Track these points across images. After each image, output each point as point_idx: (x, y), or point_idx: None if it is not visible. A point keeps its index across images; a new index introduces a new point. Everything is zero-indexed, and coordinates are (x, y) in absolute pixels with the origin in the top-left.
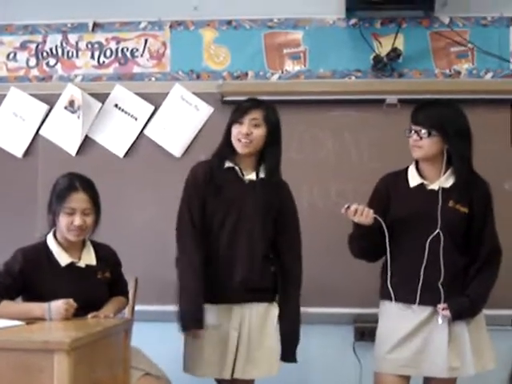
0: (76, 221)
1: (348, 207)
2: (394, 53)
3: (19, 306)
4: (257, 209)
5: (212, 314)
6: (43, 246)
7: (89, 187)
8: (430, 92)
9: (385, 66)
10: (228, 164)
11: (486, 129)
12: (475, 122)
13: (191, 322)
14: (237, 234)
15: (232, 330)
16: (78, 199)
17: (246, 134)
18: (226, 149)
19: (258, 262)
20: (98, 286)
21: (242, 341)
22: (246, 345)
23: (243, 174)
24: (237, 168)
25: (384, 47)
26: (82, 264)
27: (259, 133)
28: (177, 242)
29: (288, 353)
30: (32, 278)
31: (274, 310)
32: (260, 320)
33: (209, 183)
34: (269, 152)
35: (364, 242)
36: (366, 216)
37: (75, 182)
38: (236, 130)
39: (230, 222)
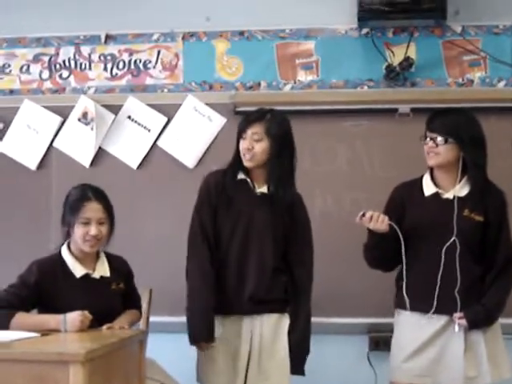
0: (92, 231)
1: (363, 214)
2: (407, 62)
3: (34, 317)
4: (267, 222)
5: (223, 325)
6: (58, 258)
7: (102, 197)
8: (442, 101)
9: (397, 75)
10: (240, 176)
11: (499, 137)
12: (488, 131)
13: (200, 335)
14: (247, 246)
15: (243, 341)
16: (93, 209)
17: (248, 149)
18: (238, 161)
19: (268, 274)
20: (113, 297)
21: (253, 352)
22: (258, 356)
23: (255, 187)
24: (249, 180)
25: (396, 56)
26: (96, 275)
27: (261, 147)
28: (187, 249)
29: (296, 365)
30: (47, 289)
31: (285, 321)
32: (271, 331)
33: (220, 194)
34: (273, 165)
35: (379, 251)
36: (382, 222)
37: (88, 192)
38: (241, 145)
39: (239, 235)
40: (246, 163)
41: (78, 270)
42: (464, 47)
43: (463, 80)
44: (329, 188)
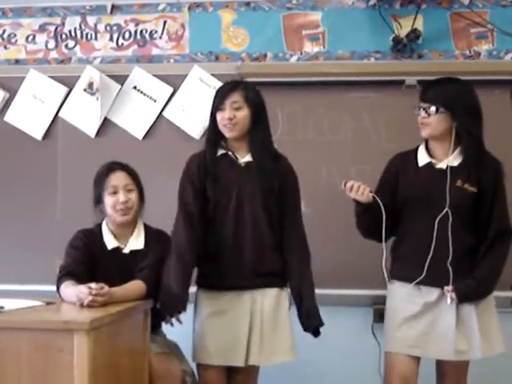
0: (120, 198)
1: (345, 184)
2: (414, 34)
3: (71, 286)
4: (257, 190)
5: (222, 300)
6: (97, 230)
7: (125, 166)
8: (449, 73)
9: (404, 47)
10: (221, 151)
11: (505, 110)
12: (495, 103)
13: (175, 308)
14: (242, 217)
15: (243, 315)
16: (118, 177)
17: (229, 119)
18: (215, 136)
19: (265, 244)
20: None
21: (255, 327)
22: (260, 331)
23: (237, 158)
24: (230, 153)
25: (403, 28)
26: (126, 250)
27: (242, 115)
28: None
29: (317, 317)
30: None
31: (285, 295)
32: (272, 305)
33: (205, 174)
34: (255, 132)
35: (366, 221)
36: (362, 194)
37: (112, 165)
38: (219, 116)
39: (233, 207)
40: (229, 133)
41: (110, 243)
42: (471, 19)
43: (470, 52)
44: (334, 159)
